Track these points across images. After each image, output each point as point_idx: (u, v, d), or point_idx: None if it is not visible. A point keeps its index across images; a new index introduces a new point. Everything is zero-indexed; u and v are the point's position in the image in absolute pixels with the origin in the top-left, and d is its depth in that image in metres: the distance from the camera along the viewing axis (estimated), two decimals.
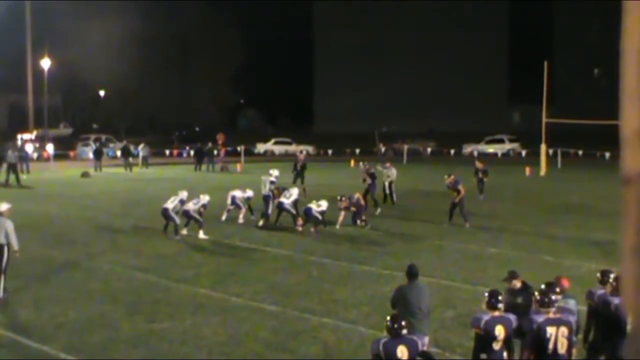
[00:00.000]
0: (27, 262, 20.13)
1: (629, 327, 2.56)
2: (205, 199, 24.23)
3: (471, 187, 32.44)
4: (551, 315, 8.92)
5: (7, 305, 15.67)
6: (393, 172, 31.08)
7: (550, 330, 8.82)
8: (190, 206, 23.68)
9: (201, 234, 23.21)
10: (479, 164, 32.80)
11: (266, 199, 26.05)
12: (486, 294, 9.45)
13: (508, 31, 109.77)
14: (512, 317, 9.31)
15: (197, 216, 23.46)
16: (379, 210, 28.32)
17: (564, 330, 8.84)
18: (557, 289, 9.58)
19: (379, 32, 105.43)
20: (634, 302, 2.01)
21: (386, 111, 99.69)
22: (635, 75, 1.97)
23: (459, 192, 25.62)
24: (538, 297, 9.13)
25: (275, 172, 27.59)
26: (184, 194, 24.15)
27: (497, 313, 9.18)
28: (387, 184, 30.85)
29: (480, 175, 32.31)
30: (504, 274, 11.59)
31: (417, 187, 37.30)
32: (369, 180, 29.36)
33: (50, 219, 27.88)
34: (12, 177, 40.07)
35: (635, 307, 2.01)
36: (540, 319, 8.90)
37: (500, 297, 9.32)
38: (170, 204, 23.62)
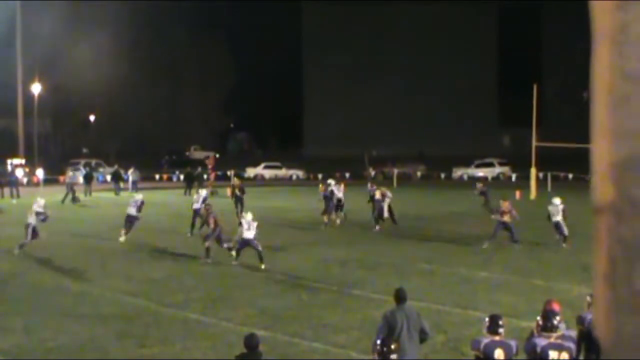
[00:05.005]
0: (17, 286, 20.14)
1: None
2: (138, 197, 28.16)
3: (470, 209, 32.58)
4: (553, 340, 8.98)
5: None
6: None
7: (553, 355, 8.88)
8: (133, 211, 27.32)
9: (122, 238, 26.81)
10: (479, 184, 35.45)
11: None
12: (487, 319, 9.49)
13: (497, 54, 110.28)
14: (513, 342, 9.35)
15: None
16: (377, 227, 28.98)
17: (565, 355, 8.93)
18: (558, 317, 9.63)
19: (368, 55, 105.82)
20: (604, 325, 2.10)
21: (376, 134, 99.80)
22: (604, 113, 2.06)
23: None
24: (541, 322, 9.18)
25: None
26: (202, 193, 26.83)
27: (497, 337, 9.23)
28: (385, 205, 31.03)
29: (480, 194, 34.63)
30: (494, 297, 11.62)
31: (407, 211, 37.30)
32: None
33: (40, 243, 27.78)
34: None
35: (606, 330, 2.09)
36: (543, 342, 8.96)
37: (500, 322, 9.37)
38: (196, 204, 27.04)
